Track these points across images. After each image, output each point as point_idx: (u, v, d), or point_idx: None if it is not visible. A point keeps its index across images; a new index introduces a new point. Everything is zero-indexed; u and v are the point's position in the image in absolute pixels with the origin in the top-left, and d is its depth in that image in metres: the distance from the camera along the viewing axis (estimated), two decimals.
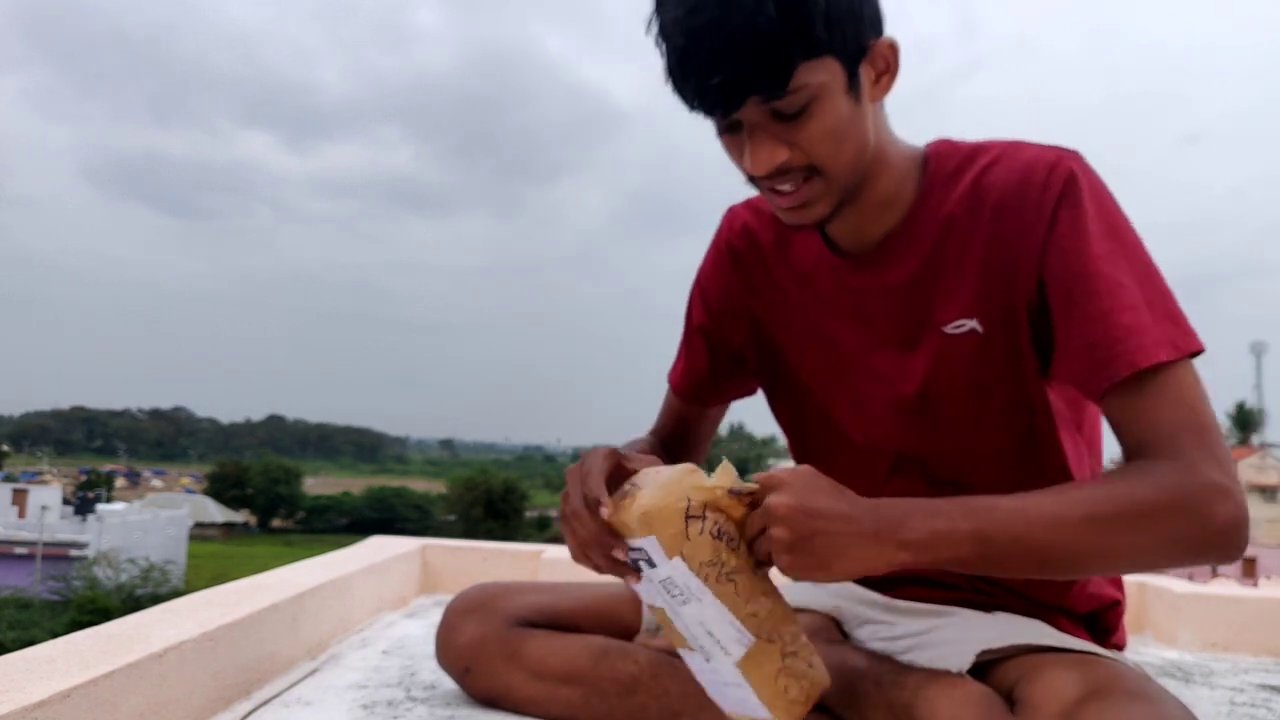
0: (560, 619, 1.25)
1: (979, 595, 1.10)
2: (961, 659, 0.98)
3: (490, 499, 47.11)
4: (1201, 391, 0.92)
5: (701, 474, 0.90)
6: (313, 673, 1.44)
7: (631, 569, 0.92)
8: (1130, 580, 2.15)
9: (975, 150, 1.05)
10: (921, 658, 1.02)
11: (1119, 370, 0.92)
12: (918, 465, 1.10)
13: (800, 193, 0.97)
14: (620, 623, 1.24)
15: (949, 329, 1.04)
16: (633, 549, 0.90)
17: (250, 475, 61.55)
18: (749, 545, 0.90)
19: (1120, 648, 1.14)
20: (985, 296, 1.02)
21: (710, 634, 0.90)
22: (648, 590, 0.93)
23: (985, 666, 0.99)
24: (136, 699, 1.05)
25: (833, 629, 1.15)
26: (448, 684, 1.35)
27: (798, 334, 1.16)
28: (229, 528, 55.99)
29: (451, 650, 1.27)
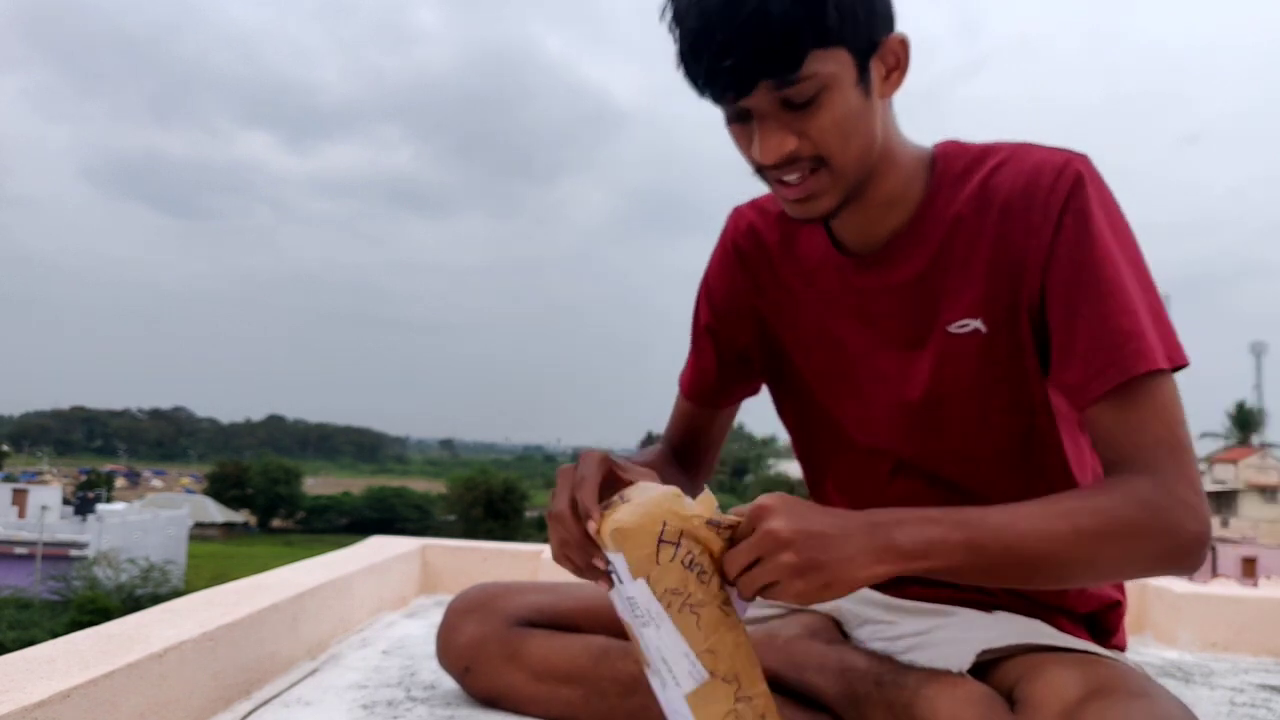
0: (560, 619, 1.24)
1: (979, 595, 1.09)
2: (962, 659, 0.99)
3: (490, 499, 47.09)
4: (1181, 408, 0.95)
5: (684, 500, 0.87)
6: (313, 673, 1.44)
7: (607, 577, 0.91)
8: (1131, 581, 2.15)
9: (984, 151, 1.05)
10: (922, 657, 1.02)
11: (1117, 374, 0.92)
12: (920, 465, 1.10)
13: (807, 184, 0.97)
14: (620, 623, 1.23)
15: (953, 329, 1.03)
16: (609, 559, 0.89)
17: (250, 475, 61.45)
18: (730, 580, 0.87)
19: (1121, 649, 1.14)
20: (990, 297, 1.02)
21: (664, 661, 0.88)
22: (618, 603, 0.92)
23: (986, 666, 0.99)
24: (136, 699, 1.05)
25: (833, 629, 1.15)
26: (448, 684, 1.35)
27: (803, 334, 1.16)
28: (229, 528, 55.94)
29: (452, 650, 1.27)
